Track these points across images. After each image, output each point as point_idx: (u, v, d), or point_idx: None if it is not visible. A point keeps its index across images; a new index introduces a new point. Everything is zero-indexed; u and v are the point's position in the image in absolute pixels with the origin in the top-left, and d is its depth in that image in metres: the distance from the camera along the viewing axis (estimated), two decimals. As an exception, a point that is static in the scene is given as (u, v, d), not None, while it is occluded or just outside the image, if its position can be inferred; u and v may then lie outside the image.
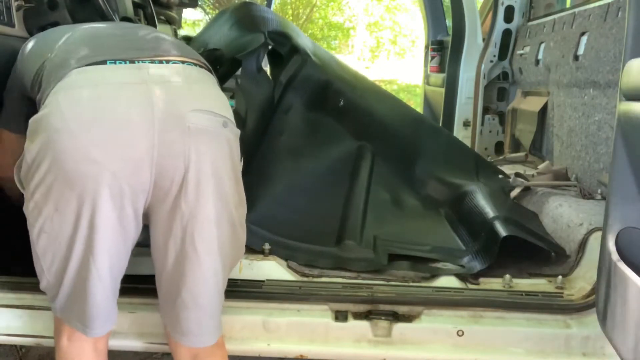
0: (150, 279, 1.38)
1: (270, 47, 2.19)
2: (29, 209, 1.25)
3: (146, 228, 1.34)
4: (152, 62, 1.30)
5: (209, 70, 1.44)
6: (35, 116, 1.23)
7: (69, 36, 1.43)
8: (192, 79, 1.32)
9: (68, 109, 1.19)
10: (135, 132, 1.19)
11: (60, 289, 1.29)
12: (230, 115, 1.33)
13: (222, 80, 2.18)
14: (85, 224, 1.20)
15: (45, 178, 1.19)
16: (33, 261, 1.30)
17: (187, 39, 2.86)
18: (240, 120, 2.00)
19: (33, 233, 1.26)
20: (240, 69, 2.13)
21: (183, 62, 1.35)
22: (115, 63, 1.28)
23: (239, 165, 1.37)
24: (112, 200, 1.19)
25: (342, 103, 2.36)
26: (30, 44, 1.50)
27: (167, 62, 1.33)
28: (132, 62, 1.29)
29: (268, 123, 2.17)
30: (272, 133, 2.15)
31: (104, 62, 1.28)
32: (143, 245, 1.35)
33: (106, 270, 1.26)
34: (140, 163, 1.19)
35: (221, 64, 2.13)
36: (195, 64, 1.38)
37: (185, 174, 1.22)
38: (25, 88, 1.40)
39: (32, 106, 1.34)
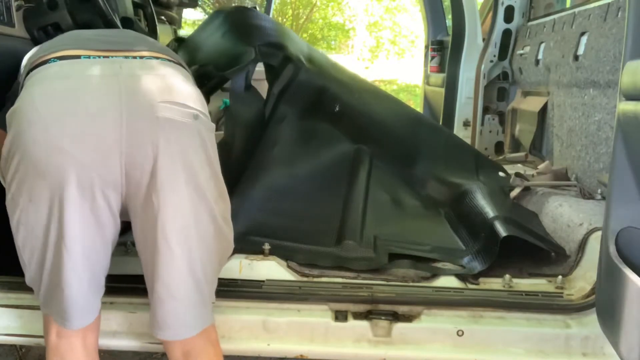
0: (150, 279, 1.38)
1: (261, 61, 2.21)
2: (7, 201, 1.27)
3: None
4: (126, 57, 1.32)
5: (184, 68, 1.45)
6: (11, 109, 1.25)
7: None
8: (165, 73, 1.33)
9: (41, 101, 1.21)
10: (104, 122, 1.20)
11: (41, 282, 1.30)
12: (203, 109, 1.33)
13: (209, 93, 2.19)
14: (56, 214, 1.22)
15: (19, 169, 1.21)
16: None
17: (180, 40, 2.86)
18: (228, 147, 2.01)
19: (13, 226, 1.27)
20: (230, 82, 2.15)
21: (157, 58, 1.37)
22: (89, 58, 1.30)
23: (216, 159, 1.36)
24: (81, 190, 1.20)
25: (337, 108, 2.35)
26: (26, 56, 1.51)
27: (141, 57, 1.34)
28: (105, 57, 1.31)
29: (259, 138, 2.17)
30: (265, 144, 2.16)
31: (78, 57, 1.30)
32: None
33: (79, 261, 1.26)
34: (109, 153, 1.21)
35: (210, 80, 2.14)
36: (170, 61, 1.40)
37: (155, 164, 1.23)
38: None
39: None
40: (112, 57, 1.31)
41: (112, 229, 1.29)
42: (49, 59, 1.30)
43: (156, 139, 1.22)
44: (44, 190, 1.20)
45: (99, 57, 1.30)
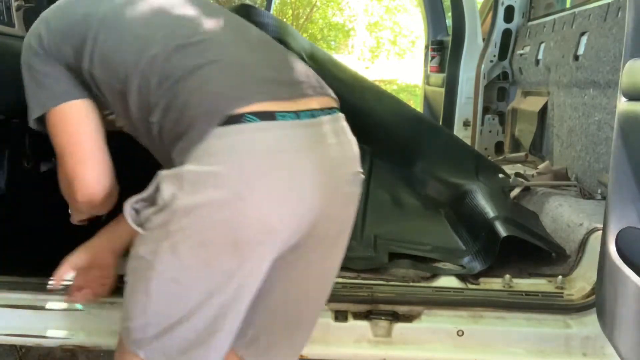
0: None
1: None
2: (160, 252, 1.08)
3: None
4: (313, 115, 1.16)
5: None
6: (205, 168, 1.07)
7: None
8: (343, 131, 1.24)
9: (251, 177, 1.07)
10: (311, 203, 1.12)
11: (165, 335, 1.13)
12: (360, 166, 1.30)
13: None
14: (234, 285, 1.11)
15: (206, 234, 1.07)
16: (128, 297, 1.14)
17: None
18: None
19: (159, 278, 1.09)
20: None
21: (335, 110, 1.26)
22: (284, 119, 1.10)
23: None
24: (271, 263, 1.15)
25: None
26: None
27: (330, 109, 1.22)
28: (296, 114, 1.13)
29: None
30: None
31: (272, 115, 1.09)
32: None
33: (236, 324, 1.17)
34: (302, 230, 1.15)
35: None
36: (337, 109, 1.27)
37: (335, 237, 1.25)
38: (67, 57, 1.22)
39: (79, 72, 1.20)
40: (301, 114, 1.13)
41: None
42: (244, 114, 1.07)
43: (343, 215, 1.23)
44: (231, 261, 1.09)
45: (292, 114, 1.12)
